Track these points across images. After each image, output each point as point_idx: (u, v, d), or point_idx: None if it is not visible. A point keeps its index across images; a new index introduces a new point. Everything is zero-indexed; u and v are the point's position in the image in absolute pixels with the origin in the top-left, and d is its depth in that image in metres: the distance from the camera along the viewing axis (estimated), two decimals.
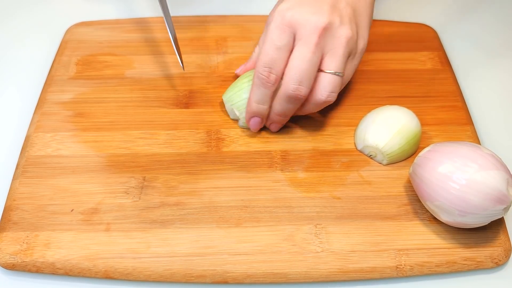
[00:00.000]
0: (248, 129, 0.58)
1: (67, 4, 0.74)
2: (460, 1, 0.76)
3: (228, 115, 0.59)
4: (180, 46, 0.66)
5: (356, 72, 0.59)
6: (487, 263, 0.50)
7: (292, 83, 0.52)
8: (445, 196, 0.47)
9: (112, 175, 0.54)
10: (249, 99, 0.55)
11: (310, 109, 0.56)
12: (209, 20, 0.68)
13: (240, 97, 0.57)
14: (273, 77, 0.53)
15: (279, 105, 0.55)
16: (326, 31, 0.52)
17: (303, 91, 0.53)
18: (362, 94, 0.62)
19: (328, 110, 0.60)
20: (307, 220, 0.51)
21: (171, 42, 0.61)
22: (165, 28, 0.68)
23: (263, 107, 0.55)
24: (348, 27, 0.54)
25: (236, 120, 0.59)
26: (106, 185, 0.53)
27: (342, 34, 0.53)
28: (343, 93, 0.62)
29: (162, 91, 0.62)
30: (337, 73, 0.53)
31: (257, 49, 0.60)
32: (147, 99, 0.61)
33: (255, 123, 0.56)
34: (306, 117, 0.59)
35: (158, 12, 0.71)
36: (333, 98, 0.54)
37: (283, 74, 0.53)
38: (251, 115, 0.56)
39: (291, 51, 0.53)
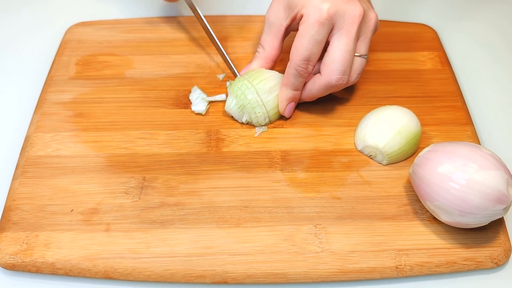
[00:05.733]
0: (264, 125, 0.58)
1: (67, 4, 0.74)
2: (460, 1, 0.76)
3: (228, 117, 0.59)
4: (180, 46, 0.67)
5: None
6: (487, 263, 0.50)
7: (336, 74, 0.54)
8: (445, 196, 0.47)
9: (112, 175, 0.54)
10: (285, 87, 0.57)
11: (336, 90, 0.58)
12: (209, 20, 0.68)
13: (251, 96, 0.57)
14: (310, 68, 0.55)
15: (317, 91, 0.57)
16: (361, 19, 0.54)
17: (345, 80, 0.55)
18: (362, 94, 0.62)
19: (328, 110, 0.60)
20: (307, 220, 0.51)
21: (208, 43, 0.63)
22: (165, 28, 0.69)
23: (299, 92, 0.58)
24: (373, 10, 0.57)
25: (241, 123, 0.59)
26: (106, 185, 0.53)
27: (372, 18, 0.56)
28: (343, 93, 0.62)
29: (162, 91, 0.62)
30: (364, 56, 0.56)
31: (260, 50, 0.60)
32: (147, 99, 0.61)
33: (291, 108, 0.59)
34: (306, 117, 0.59)
35: (158, 12, 0.71)
36: (358, 79, 0.58)
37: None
38: (288, 102, 0.58)
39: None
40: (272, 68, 0.61)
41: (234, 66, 0.62)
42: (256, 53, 0.61)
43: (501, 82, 0.66)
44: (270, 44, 0.59)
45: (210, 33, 0.61)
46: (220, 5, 0.73)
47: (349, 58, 0.54)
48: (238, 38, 0.67)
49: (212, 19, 0.69)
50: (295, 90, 0.57)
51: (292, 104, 0.58)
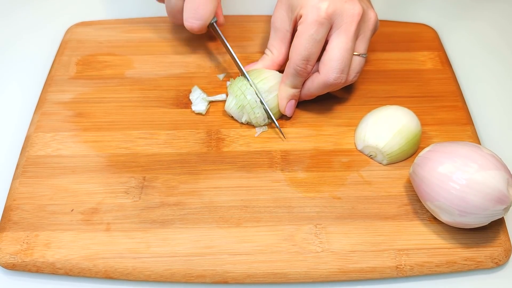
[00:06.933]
0: (264, 125, 0.58)
1: (67, 4, 0.74)
2: (460, 0, 0.76)
3: (228, 117, 0.59)
4: (180, 46, 0.67)
5: None
6: (487, 263, 0.50)
7: (334, 73, 0.54)
8: (445, 196, 0.47)
9: (112, 175, 0.54)
10: (285, 85, 0.57)
11: (335, 89, 0.58)
12: None
13: (249, 97, 0.57)
14: (309, 68, 0.55)
15: (315, 90, 0.57)
16: (360, 18, 0.54)
17: (343, 79, 0.55)
18: (362, 94, 0.62)
19: (328, 110, 0.60)
20: (307, 220, 0.51)
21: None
22: (165, 28, 0.69)
23: (298, 90, 0.58)
24: (372, 9, 0.57)
25: (241, 123, 0.59)
26: (106, 185, 0.53)
27: (371, 18, 0.56)
28: (343, 93, 0.62)
29: (162, 91, 0.62)
30: (362, 55, 0.56)
31: (268, 53, 0.60)
32: (147, 99, 0.61)
33: (291, 106, 0.58)
34: (306, 116, 0.59)
35: (158, 12, 0.71)
36: (357, 78, 0.58)
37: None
38: (288, 100, 0.58)
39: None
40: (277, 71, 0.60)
41: (241, 64, 0.61)
42: (264, 55, 0.61)
43: (501, 82, 0.66)
44: (278, 49, 0.60)
45: (225, 43, 0.61)
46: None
47: (347, 57, 0.54)
48: (238, 38, 0.67)
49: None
50: (295, 88, 0.57)
51: (293, 102, 0.58)
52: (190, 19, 0.58)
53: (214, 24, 0.60)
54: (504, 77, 0.67)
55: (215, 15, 0.60)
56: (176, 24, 0.64)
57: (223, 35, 0.60)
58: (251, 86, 0.57)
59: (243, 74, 0.59)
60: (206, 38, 0.67)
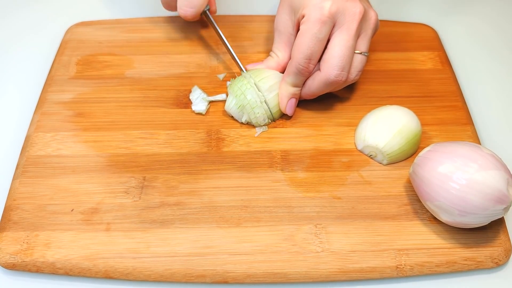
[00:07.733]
0: (264, 125, 0.58)
1: (67, 4, 0.74)
2: (460, 0, 0.76)
3: (228, 117, 0.59)
4: (180, 46, 0.67)
5: None
6: (487, 263, 0.50)
7: (334, 70, 0.54)
8: (445, 196, 0.47)
9: (112, 175, 0.54)
10: (285, 84, 0.57)
11: (337, 88, 0.58)
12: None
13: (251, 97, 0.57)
14: (311, 66, 0.56)
15: (316, 88, 0.57)
16: (362, 16, 0.55)
17: (344, 76, 0.55)
18: (362, 94, 0.62)
19: (328, 109, 0.60)
20: (307, 220, 0.51)
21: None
22: (164, 28, 0.69)
23: (299, 89, 0.58)
24: (372, 9, 0.57)
25: (241, 123, 0.59)
26: (106, 185, 0.53)
27: (372, 17, 0.56)
28: (344, 93, 0.62)
29: (162, 91, 0.62)
30: (364, 53, 0.57)
31: (273, 55, 0.60)
32: (147, 99, 0.61)
33: (292, 104, 0.58)
34: (306, 116, 0.59)
35: (158, 12, 0.71)
36: (359, 76, 0.57)
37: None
38: (288, 98, 0.58)
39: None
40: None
41: (241, 63, 0.61)
42: (269, 57, 0.61)
43: (502, 82, 0.66)
44: (282, 52, 0.60)
45: (218, 30, 0.61)
46: (220, 5, 0.73)
47: (348, 55, 0.55)
48: (238, 38, 0.67)
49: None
50: (296, 86, 0.57)
51: (293, 101, 0.58)
52: (183, 7, 0.60)
53: (207, 12, 0.62)
54: (504, 77, 0.67)
55: (208, 3, 0.62)
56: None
57: (216, 23, 0.61)
58: (250, 81, 0.57)
59: (234, 59, 0.60)
60: (206, 38, 0.67)
